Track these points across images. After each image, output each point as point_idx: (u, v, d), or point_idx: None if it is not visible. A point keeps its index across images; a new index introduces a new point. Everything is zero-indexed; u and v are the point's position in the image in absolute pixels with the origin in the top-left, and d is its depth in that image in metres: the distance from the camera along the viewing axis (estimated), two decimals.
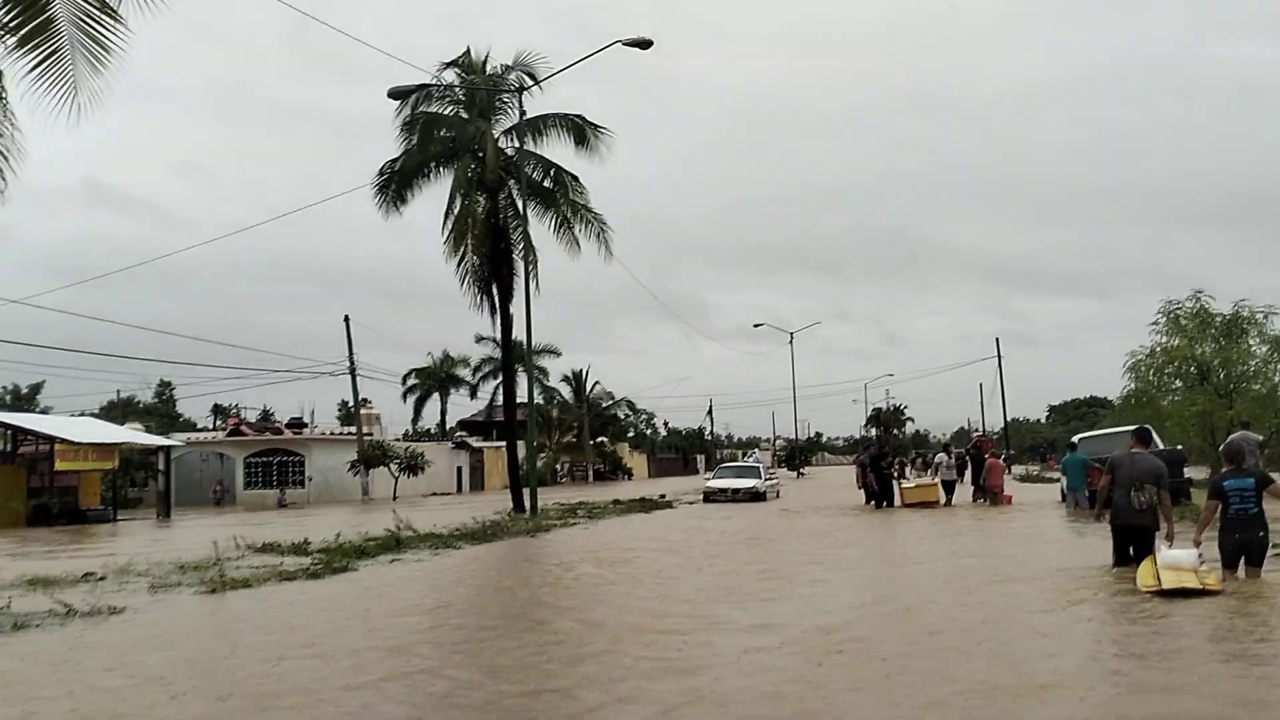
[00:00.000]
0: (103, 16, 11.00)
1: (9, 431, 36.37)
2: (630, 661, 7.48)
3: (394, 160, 28.78)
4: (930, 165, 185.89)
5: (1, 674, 7.82)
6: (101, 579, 14.00)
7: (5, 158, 10.32)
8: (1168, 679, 6.53)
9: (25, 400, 56.30)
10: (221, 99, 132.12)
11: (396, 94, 27.89)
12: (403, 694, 6.67)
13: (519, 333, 29.73)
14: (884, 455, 31.26)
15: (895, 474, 30.36)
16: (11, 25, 10.99)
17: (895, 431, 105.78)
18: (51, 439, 33.63)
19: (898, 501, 27.39)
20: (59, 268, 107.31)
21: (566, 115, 28.78)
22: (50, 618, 10.51)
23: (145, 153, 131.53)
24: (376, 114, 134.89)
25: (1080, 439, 26.65)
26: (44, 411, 52.61)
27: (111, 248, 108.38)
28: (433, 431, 74.26)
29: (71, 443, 33.59)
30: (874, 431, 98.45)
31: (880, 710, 5.96)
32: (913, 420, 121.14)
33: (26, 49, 10.91)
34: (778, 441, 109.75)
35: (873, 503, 27.60)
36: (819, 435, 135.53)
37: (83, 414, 47.06)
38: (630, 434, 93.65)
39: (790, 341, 74.00)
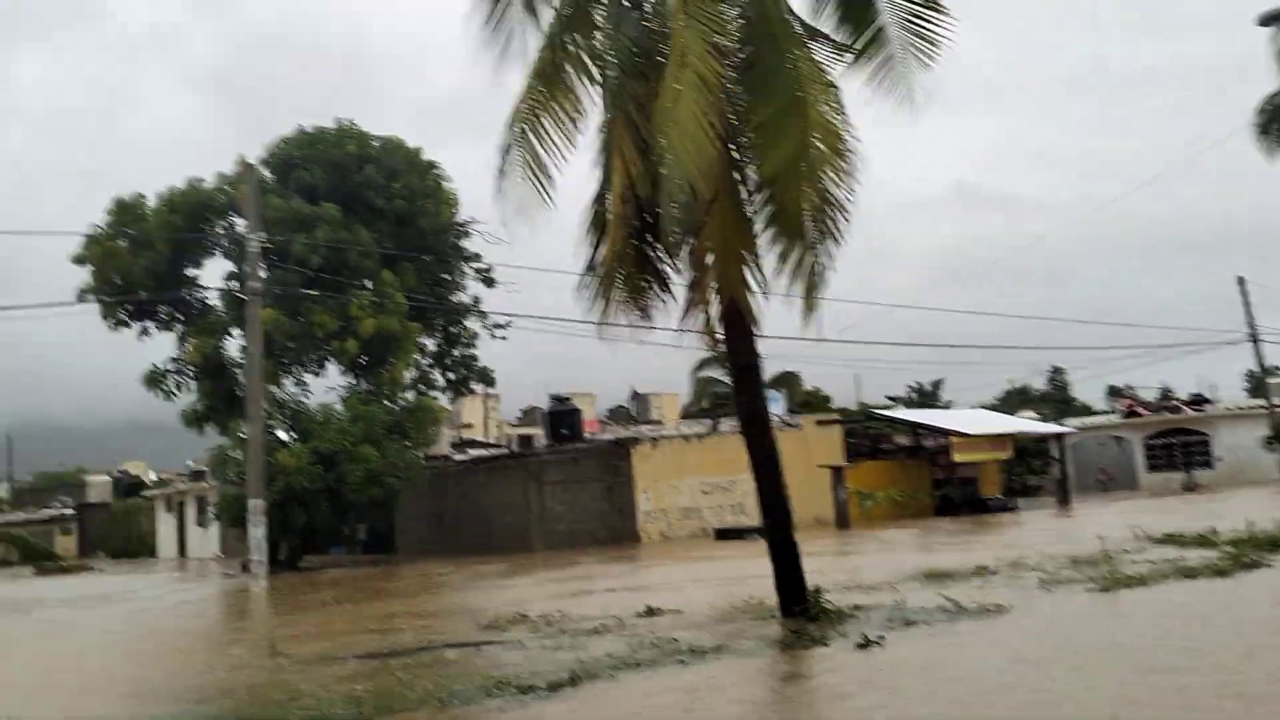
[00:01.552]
0: (927, 10, 10.99)
1: (913, 428, 39.39)
2: None
3: (1275, 94, 25.12)
4: None
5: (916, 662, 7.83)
6: (993, 573, 13.89)
7: (849, 172, 10.60)
8: None
9: (928, 397, 60.67)
10: (1069, 81, 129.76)
11: (1268, 19, 24.42)
12: None
13: None
14: None
15: None
16: (847, 43, 11.54)
17: None
18: (948, 432, 35.58)
19: None
20: (943, 270, 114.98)
21: None
22: (939, 614, 10.53)
23: (1001, 151, 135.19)
24: (1236, 57, 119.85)
25: None
26: (944, 406, 56.06)
27: (986, 245, 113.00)
28: None
29: (966, 435, 35.15)
30: None
31: None
32: None
33: (860, 62, 11.37)
34: None
35: None
36: None
37: (977, 406, 49.22)
38: None
39: None
